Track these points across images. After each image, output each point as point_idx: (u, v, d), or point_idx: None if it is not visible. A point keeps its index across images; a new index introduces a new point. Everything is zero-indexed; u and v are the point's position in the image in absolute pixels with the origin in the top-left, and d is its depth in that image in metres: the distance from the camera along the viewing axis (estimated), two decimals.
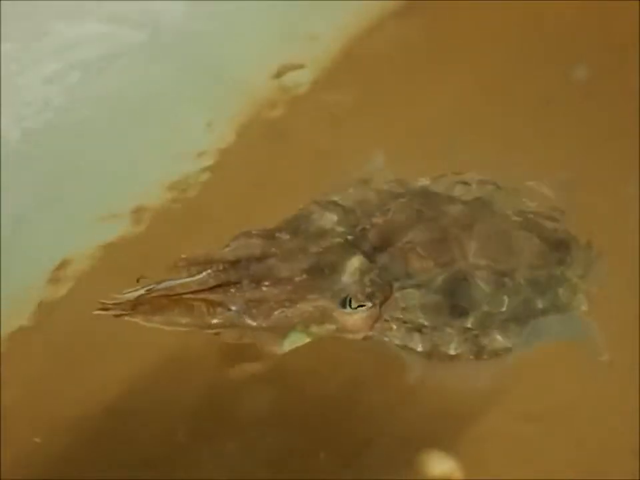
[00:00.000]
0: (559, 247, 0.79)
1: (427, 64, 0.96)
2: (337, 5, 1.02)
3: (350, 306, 0.71)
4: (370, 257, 0.72)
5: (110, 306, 0.69)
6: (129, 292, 0.69)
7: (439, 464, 0.76)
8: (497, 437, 0.77)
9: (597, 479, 0.74)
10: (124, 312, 0.68)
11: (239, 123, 0.95)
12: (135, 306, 0.69)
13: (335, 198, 0.77)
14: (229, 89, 0.97)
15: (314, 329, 0.71)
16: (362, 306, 0.71)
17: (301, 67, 0.98)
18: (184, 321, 0.68)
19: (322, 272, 0.70)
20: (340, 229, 0.74)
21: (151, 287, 0.69)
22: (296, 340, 0.71)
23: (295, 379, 0.78)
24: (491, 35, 0.97)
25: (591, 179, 0.86)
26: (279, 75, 0.98)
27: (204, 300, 0.68)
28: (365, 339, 0.74)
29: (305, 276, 0.70)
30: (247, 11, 1.01)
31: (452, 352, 0.75)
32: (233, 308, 0.69)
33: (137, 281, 0.69)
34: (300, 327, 0.71)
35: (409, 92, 0.94)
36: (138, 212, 0.89)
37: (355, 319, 0.71)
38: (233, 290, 0.68)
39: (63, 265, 0.87)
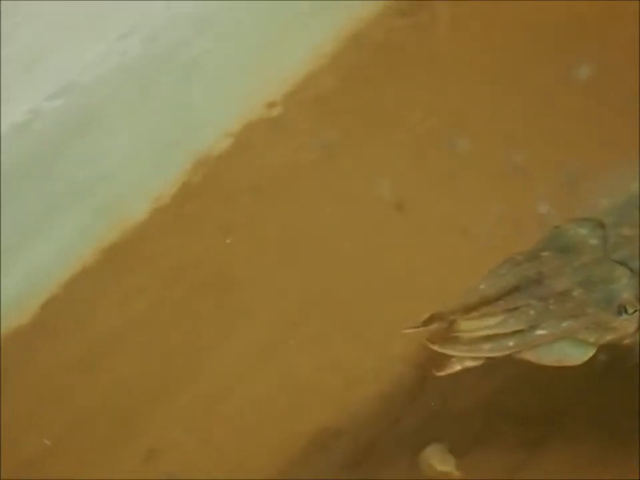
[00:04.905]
0: None
1: (426, 64, 0.96)
2: None
3: (626, 312, 0.73)
4: (630, 267, 0.74)
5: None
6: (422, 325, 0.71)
7: (439, 464, 0.76)
8: (496, 437, 0.77)
9: (596, 479, 0.75)
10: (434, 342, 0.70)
11: None
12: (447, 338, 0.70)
13: (586, 215, 0.79)
14: None
15: (596, 340, 0.73)
16: (637, 310, 0.73)
17: None
18: (486, 346, 0.70)
19: (594, 285, 0.73)
20: (594, 242, 0.76)
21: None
22: (581, 352, 0.73)
23: None
24: (490, 35, 0.97)
25: (591, 178, 0.87)
26: None
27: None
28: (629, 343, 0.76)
29: (580, 290, 0.72)
30: None
31: None
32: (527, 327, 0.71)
33: (430, 318, 0.70)
34: (582, 340, 0.73)
35: (408, 94, 0.95)
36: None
37: (631, 324, 0.74)
38: (532, 312, 0.71)
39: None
